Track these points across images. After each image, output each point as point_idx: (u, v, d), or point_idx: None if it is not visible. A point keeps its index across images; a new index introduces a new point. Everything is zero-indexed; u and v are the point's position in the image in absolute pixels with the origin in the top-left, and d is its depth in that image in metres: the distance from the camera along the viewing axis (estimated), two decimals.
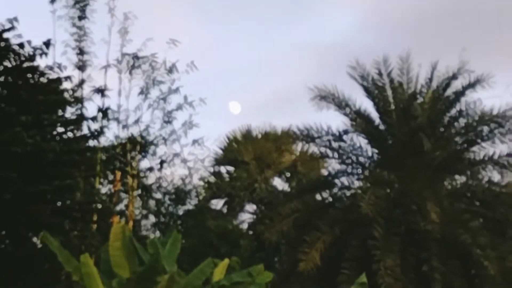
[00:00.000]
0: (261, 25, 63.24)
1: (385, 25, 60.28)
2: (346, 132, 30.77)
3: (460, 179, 30.95)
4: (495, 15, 55.58)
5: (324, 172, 34.87)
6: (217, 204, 37.54)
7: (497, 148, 29.75)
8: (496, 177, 29.99)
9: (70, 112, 24.39)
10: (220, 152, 40.15)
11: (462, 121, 30.29)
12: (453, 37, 57.18)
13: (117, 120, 30.67)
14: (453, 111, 30.40)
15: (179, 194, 34.92)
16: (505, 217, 29.18)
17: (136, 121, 31.18)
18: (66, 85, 23.58)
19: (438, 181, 30.20)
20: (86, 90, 29.71)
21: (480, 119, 29.85)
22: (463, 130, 30.33)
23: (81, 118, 25.04)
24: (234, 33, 61.81)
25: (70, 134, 23.59)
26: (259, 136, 40.70)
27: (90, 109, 29.10)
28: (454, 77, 30.04)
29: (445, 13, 58.08)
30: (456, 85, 30.16)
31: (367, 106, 30.70)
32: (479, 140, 30.07)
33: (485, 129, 29.88)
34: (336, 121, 31.23)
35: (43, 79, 22.56)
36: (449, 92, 30.33)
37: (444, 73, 30.30)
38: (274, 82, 61.13)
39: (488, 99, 30.43)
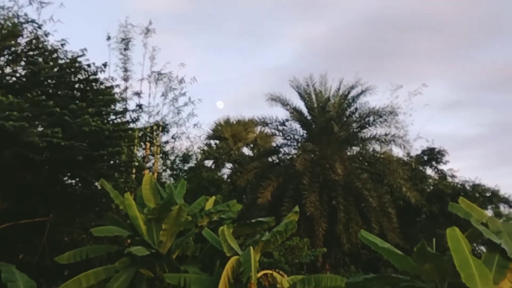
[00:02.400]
0: (236, 53, 63.31)
1: (312, 54, 60.44)
2: (287, 120, 31.01)
3: (356, 149, 31.18)
4: (380, 51, 56.01)
5: (274, 144, 34.91)
6: (208, 163, 37.50)
7: (378, 130, 30.13)
8: (377, 148, 30.31)
9: (118, 106, 24.27)
10: (210, 131, 40.13)
11: (357, 114, 30.54)
12: (353, 63, 57.88)
13: (148, 112, 30.72)
14: (352, 108, 30.65)
15: (185, 157, 34.90)
16: (382, 172, 29.50)
17: (159, 113, 31.20)
18: (116, 90, 23.51)
19: (342, 150, 30.41)
20: (129, 93, 29.84)
21: (368, 113, 30.13)
22: (358, 119, 30.55)
23: (125, 110, 24.92)
24: (220, 59, 62.04)
25: (118, 120, 23.47)
26: (234, 122, 40.67)
27: (131, 104, 29.25)
28: (352, 87, 30.34)
29: (348, 48, 58.47)
30: (354, 92, 30.44)
31: (300, 104, 30.91)
32: (367, 126, 30.36)
33: (371, 119, 30.18)
34: (281, 113, 31.45)
35: (102, 86, 22.42)
36: (349, 96, 30.51)
37: (347, 85, 30.60)
38: (244, 89, 61.60)
39: (373, 101, 30.84)
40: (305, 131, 31.09)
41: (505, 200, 32.12)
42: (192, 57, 55.08)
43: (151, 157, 30.72)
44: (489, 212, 29.65)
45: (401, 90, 34.80)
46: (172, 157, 34.64)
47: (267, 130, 35.44)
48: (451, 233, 16.10)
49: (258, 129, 39.13)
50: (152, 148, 30.46)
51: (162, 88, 31.04)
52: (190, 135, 34.68)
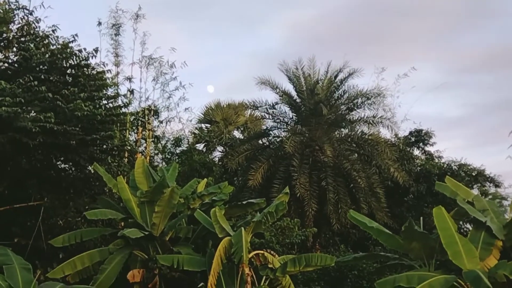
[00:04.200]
0: (226, 38, 62.91)
1: (299, 39, 60.16)
2: (276, 103, 30.91)
3: (344, 131, 31.19)
4: (368, 35, 55.95)
5: (264, 127, 34.90)
6: (200, 146, 37.47)
7: (366, 112, 30.19)
8: (365, 129, 30.32)
9: (110, 91, 24.14)
10: (201, 115, 40.03)
11: (345, 96, 30.52)
12: (341, 47, 57.77)
13: (139, 96, 30.68)
14: (340, 91, 30.61)
15: (177, 141, 34.89)
16: (371, 153, 29.55)
17: (149, 97, 31.21)
18: (107, 75, 23.34)
19: (331, 132, 30.42)
20: (120, 78, 29.76)
21: (355, 95, 30.14)
22: (346, 102, 30.55)
23: (117, 95, 24.79)
24: (209, 44, 61.71)
25: (110, 105, 23.38)
26: (225, 106, 40.54)
27: (123, 89, 29.18)
28: (340, 70, 30.27)
29: (336, 32, 58.33)
30: (342, 75, 30.39)
31: (289, 88, 30.85)
32: (355, 108, 30.38)
33: (359, 101, 30.20)
34: (271, 97, 31.39)
35: (93, 71, 22.29)
36: (337, 79, 30.49)
37: (335, 68, 30.53)
38: (234, 73, 61.34)
39: (362, 84, 30.81)
40: (295, 114, 31.06)
41: (491, 179, 32.22)
42: (182, 42, 54.72)
43: (143, 141, 30.71)
44: (475, 191, 29.81)
45: (388, 73, 34.87)
46: (163, 141, 34.65)
47: (257, 113, 35.59)
48: (437, 212, 16.26)
49: (248, 112, 39.12)
50: (144, 132, 30.43)
51: (153, 73, 31.03)
52: (182, 119, 34.73)
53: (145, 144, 30.66)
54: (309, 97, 30.05)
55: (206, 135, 37.68)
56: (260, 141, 32.11)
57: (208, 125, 40.11)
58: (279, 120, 31.28)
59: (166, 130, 34.30)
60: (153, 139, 32.36)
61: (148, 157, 29.60)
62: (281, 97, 30.70)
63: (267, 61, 58.30)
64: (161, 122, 33.04)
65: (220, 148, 37.88)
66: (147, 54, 30.57)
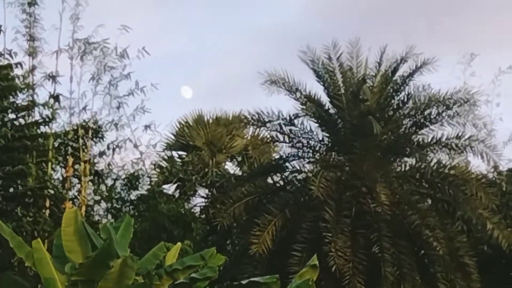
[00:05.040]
0: (209, 10, 63.05)
1: (333, 9, 60.13)
2: (296, 116, 30.78)
3: (409, 161, 31.12)
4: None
5: (275, 156, 34.87)
6: (169, 188, 37.46)
7: (445, 130, 30.07)
8: (444, 159, 30.22)
9: (21, 98, 24.19)
10: (172, 137, 40.05)
11: (411, 104, 30.44)
12: (401, 22, 57.51)
13: (69, 106, 30.67)
14: (402, 95, 30.54)
15: (131, 180, 34.88)
16: (453, 198, 29.43)
17: (87, 107, 31.17)
18: (17, 71, 23.42)
19: (387, 164, 30.40)
20: (37, 76, 29.74)
21: (428, 102, 30.04)
22: (412, 113, 30.48)
23: (32, 104, 24.89)
24: (183, 19, 61.66)
25: (21, 120, 23.42)
26: (210, 120, 40.62)
27: (41, 95, 29.11)
28: (402, 61, 30.13)
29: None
30: (404, 69, 30.32)
31: (318, 90, 30.74)
32: (427, 123, 30.27)
33: (433, 111, 30.08)
34: (287, 105, 31.20)
35: None
36: (397, 76, 30.44)
37: (392, 57, 30.40)
38: (225, 66, 61.18)
39: (437, 84, 30.62)
40: (326, 134, 31.05)
41: None
42: (140, 16, 54.84)
43: (75, 180, 30.69)
44: None
45: (481, 64, 34.63)
46: (109, 181, 34.65)
47: (264, 132, 35.41)
48: None
49: (250, 131, 39.17)
50: (77, 166, 30.41)
51: (91, 67, 31.10)
52: (139, 143, 34.73)
53: (79, 186, 30.64)
54: (350, 104, 29.98)
55: (179, 170, 37.70)
56: (269, 179, 32.08)
57: (183, 153, 40.17)
58: (300, 144, 31.25)
59: (113, 162, 34.33)
60: (92, 177, 32.36)
61: (83, 208, 29.57)
62: (304, 106, 30.66)
63: (280, 46, 58.17)
64: (103, 153, 33.04)
65: (203, 192, 37.90)
66: (82, 36, 30.72)
